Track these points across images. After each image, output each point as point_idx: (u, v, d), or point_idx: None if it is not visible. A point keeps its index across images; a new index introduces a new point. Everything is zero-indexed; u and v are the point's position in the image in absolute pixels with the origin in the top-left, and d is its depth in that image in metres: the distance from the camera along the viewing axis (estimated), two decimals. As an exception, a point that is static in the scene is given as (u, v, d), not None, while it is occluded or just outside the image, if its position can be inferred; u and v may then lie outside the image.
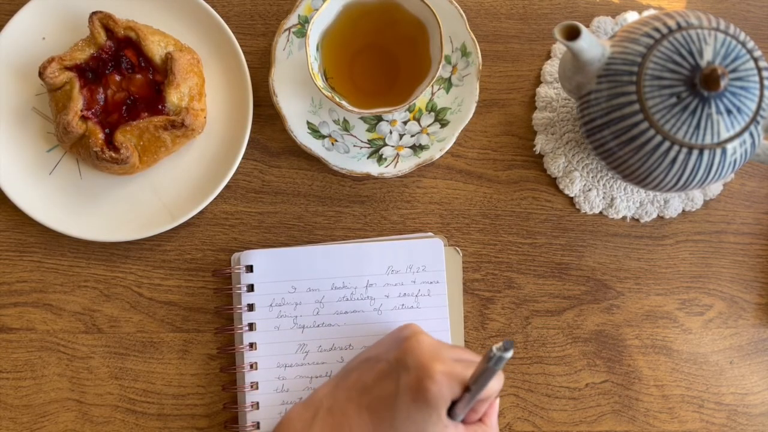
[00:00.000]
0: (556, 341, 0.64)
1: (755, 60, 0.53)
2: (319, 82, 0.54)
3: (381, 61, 0.59)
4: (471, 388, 0.50)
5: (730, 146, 0.53)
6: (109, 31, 0.60)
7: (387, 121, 0.63)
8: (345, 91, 0.57)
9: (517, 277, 0.64)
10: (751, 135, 0.53)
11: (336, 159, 0.62)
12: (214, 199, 0.62)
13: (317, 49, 0.55)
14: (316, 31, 0.54)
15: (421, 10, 0.55)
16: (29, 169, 0.62)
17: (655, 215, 0.65)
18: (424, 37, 0.56)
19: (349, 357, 0.61)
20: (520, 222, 0.65)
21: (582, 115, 0.58)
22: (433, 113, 0.63)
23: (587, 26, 0.66)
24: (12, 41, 0.62)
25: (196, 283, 0.64)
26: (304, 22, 0.62)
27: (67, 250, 0.63)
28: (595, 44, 0.53)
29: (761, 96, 0.53)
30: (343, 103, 0.55)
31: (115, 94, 0.61)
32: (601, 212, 0.65)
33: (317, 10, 0.54)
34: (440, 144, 0.62)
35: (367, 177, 0.64)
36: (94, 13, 0.60)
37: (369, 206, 0.64)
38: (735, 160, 0.54)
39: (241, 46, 0.63)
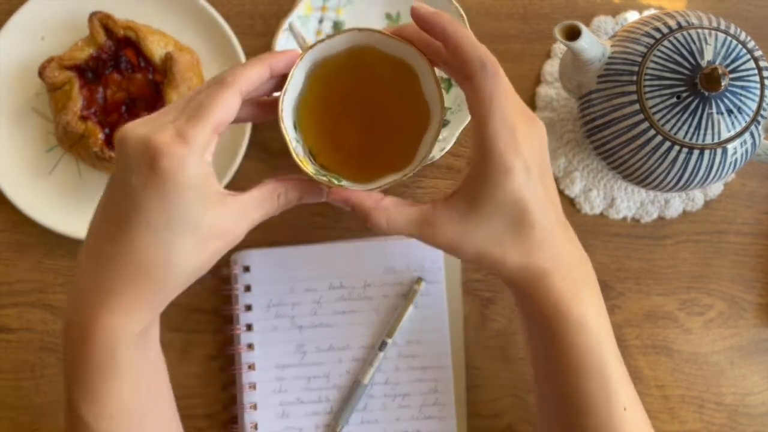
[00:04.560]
0: (557, 341, 0.64)
1: (756, 60, 0.53)
2: (309, 168, 0.46)
3: (371, 118, 0.50)
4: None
5: (730, 146, 0.53)
6: (109, 31, 0.60)
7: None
8: (339, 164, 0.49)
9: (518, 278, 0.64)
10: (752, 135, 0.53)
11: (336, 159, 0.62)
12: (214, 199, 0.62)
13: (296, 129, 0.47)
14: (288, 108, 0.46)
15: (402, 50, 0.46)
16: (29, 169, 0.62)
17: (655, 215, 0.65)
18: (413, 78, 0.47)
19: (347, 357, 0.60)
20: (521, 222, 0.65)
21: (582, 115, 0.58)
22: (433, 113, 0.62)
23: (588, 26, 0.66)
24: (11, 41, 0.62)
25: (195, 283, 0.63)
26: (305, 22, 0.62)
27: (66, 251, 0.63)
28: (595, 44, 0.53)
29: (762, 96, 0.53)
30: (344, 183, 0.47)
31: (114, 93, 0.61)
32: (601, 213, 0.65)
33: (287, 80, 0.45)
34: (440, 144, 0.62)
35: (367, 177, 0.64)
36: (93, 13, 0.60)
37: (369, 206, 0.64)
38: (735, 160, 0.54)
39: (241, 46, 0.63)
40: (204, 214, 0.42)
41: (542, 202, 0.45)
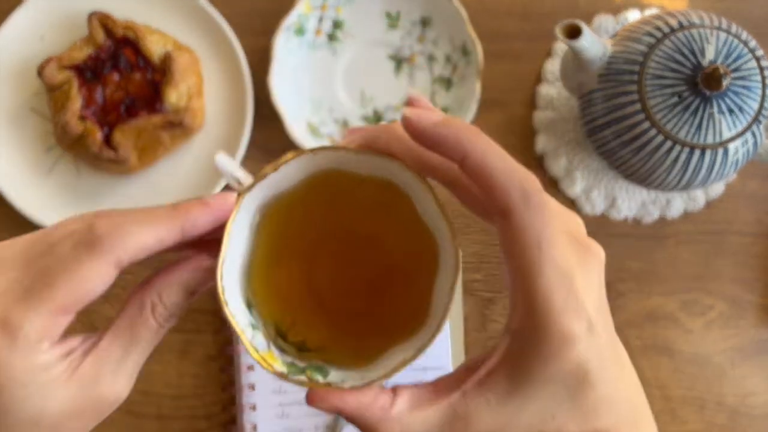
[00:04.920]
0: (557, 342, 0.64)
1: (757, 59, 0.53)
2: (278, 364, 0.31)
3: (357, 266, 0.35)
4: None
5: (732, 146, 0.53)
6: (108, 31, 0.60)
7: (388, 120, 0.63)
8: (321, 338, 0.34)
9: (518, 278, 0.64)
10: (753, 134, 0.53)
11: (336, 159, 0.61)
12: (214, 199, 0.62)
13: (250, 308, 0.33)
14: (232, 283, 0.32)
15: (381, 168, 0.31)
16: (28, 168, 0.62)
17: (656, 216, 0.65)
18: (405, 202, 0.32)
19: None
20: (521, 222, 0.65)
21: (583, 115, 0.58)
22: (433, 113, 0.62)
23: (589, 25, 0.66)
24: (10, 40, 0.62)
25: (195, 283, 0.63)
26: (305, 20, 0.61)
27: (66, 250, 0.63)
28: (596, 43, 0.53)
29: (763, 95, 0.52)
30: (331, 377, 0.31)
31: (113, 93, 0.61)
32: (602, 213, 0.65)
33: (223, 244, 0.30)
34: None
35: (367, 177, 0.64)
36: (92, 12, 0.60)
37: (369, 206, 0.64)
38: (737, 160, 0.54)
39: (240, 45, 0.62)
40: (45, 405, 0.30)
41: (605, 356, 0.32)
